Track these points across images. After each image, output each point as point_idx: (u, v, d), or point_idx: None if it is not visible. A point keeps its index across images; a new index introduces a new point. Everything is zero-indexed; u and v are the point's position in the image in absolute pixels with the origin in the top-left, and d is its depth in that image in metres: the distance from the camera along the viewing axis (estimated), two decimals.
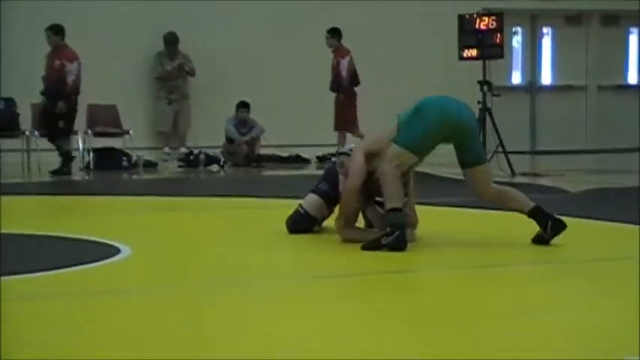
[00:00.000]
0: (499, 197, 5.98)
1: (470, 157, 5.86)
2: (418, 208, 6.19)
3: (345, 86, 13.44)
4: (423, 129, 5.69)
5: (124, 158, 13.18)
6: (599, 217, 7.09)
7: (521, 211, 5.91)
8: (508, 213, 6.37)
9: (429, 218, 6.37)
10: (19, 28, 13.93)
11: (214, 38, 14.73)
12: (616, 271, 5.29)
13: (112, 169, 12.79)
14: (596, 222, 6.95)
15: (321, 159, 14.07)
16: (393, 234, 5.55)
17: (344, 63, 13.50)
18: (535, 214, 5.83)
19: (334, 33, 13.61)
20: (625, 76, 17.24)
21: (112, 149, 13.27)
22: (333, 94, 13.51)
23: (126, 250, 5.70)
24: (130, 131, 13.48)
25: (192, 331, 3.79)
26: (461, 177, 6.09)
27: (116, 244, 5.84)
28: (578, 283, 4.87)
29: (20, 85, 13.13)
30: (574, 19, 16.87)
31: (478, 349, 3.53)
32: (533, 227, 5.85)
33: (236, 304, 4.36)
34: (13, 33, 13.94)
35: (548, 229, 5.78)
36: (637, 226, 6.56)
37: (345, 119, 13.43)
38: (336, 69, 13.57)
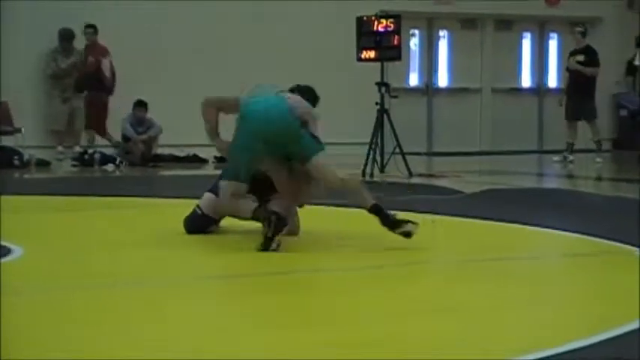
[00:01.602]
0: (344, 186, 6.00)
1: (299, 154, 5.94)
2: None
3: (109, 87, 13.52)
4: (241, 138, 5.91)
5: (16, 157, 12.88)
6: (492, 217, 7.21)
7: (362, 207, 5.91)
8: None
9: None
10: None
11: (111, 35, 14.48)
12: (505, 270, 5.39)
13: (3, 168, 12.47)
14: (489, 222, 7.06)
15: (218, 159, 13.98)
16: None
17: (106, 62, 13.52)
18: (375, 210, 5.83)
19: (95, 28, 13.71)
20: (518, 80, 17.61)
21: (3, 147, 12.97)
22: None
23: (17, 251, 5.57)
24: (22, 129, 13.18)
25: (80, 331, 3.75)
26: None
27: (7, 245, 5.70)
28: (468, 283, 4.93)
29: None
30: (469, 22, 17.16)
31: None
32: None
33: (126, 303, 4.34)
34: None
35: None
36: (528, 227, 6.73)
37: (98, 120, 13.62)
38: (92, 67, 13.57)
